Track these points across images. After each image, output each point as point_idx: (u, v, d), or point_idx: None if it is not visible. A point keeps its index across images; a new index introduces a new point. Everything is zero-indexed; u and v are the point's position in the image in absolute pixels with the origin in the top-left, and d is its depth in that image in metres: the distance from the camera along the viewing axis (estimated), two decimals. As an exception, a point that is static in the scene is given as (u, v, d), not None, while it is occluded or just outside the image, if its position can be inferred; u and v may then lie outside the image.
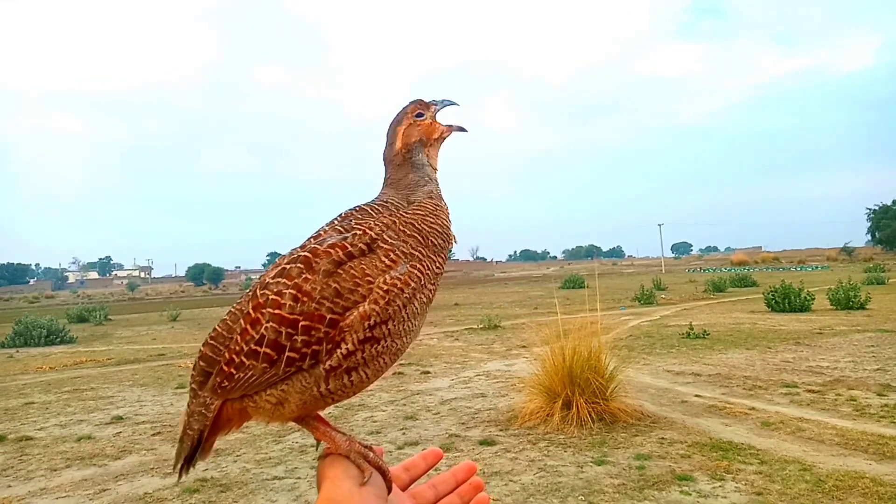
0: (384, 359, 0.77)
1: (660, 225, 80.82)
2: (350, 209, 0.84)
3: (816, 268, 52.47)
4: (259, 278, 0.80)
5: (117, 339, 19.89)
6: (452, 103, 0.95)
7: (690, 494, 4.64)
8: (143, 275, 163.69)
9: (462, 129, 0.95)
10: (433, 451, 0.86)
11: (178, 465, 0.83)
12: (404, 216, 0.82)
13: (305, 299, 0.73)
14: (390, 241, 0.78)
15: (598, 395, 6.56)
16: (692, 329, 12.74)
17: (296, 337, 0.73)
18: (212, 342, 0.80)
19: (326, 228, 0.81)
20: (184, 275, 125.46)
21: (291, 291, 0.74)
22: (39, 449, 6.75)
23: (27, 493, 5.34)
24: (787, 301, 17.03)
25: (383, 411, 7.59)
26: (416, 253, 0.80)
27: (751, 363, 9.64)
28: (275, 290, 0.75)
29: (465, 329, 16.64)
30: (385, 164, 0.91)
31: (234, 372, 0.76)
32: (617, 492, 4.75)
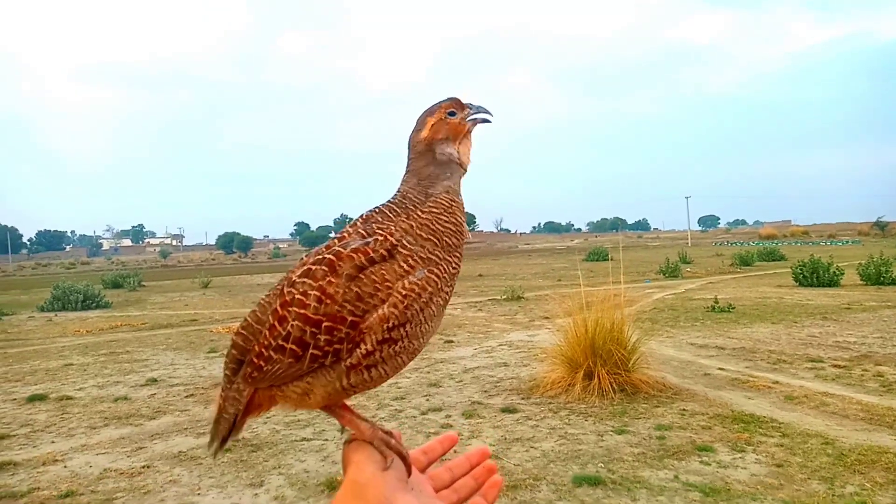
0: (402, 357, 0.82)
1: (687, 197, 79.38)
2: (371, 210, 0.88)
3: (847, 242, 51.25)
4: (286, 275, 0.85)
5: (151, 304, 20.44)
6: (486, 114, 0.97)
7: (710, 465, 4.69)
8: (174, 243, 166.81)
9: (487, 121, 0.97)
10: (449, 435, 0.92)
11: (214, 445, 0.90)
12: (421, 217, 0.85)
13: (329, 301, 0.78)
14: (409, 246, 0.82)
15: (619, 366, 6.61)
16: (717, 302, 12.64)
17: (319, 336, 0.78)
18: (243, 332, 0.86)
19: (350, 231, 0.85)
20: (214, 243, 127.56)
21: (316, 293, 0.78)
22: (79, 408, 7.05)
23: (69, 449, 5.61)
24: (815, 275, 16.75)
25: (408, 378, 7.74)
26: (433, 257, 0.83)
27: (776, 337, 9.58)
28: (301, 289, 0.80)
29: (489, 300, 16.74)
30: (409, 147, 0.94)
31: (263, 364, 0.82)
32: (636, 460, 4.83)
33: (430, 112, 0.94)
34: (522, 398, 6.66)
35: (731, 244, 56.16)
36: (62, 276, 33.51)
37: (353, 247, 0.81)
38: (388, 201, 0.89)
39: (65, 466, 5.19)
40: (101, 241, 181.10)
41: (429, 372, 8.10)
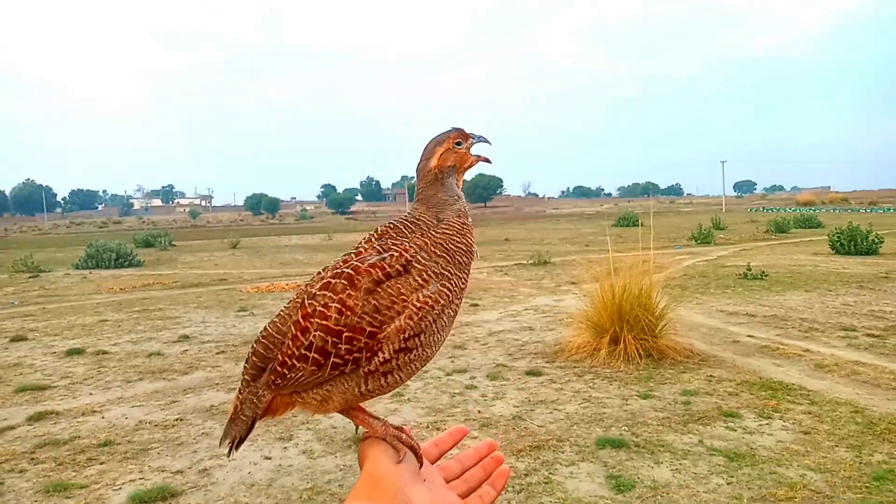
0: (416, 364, 0.87)
1: (722, 162, 77.61)
2: (386, 225, 0.93)
3: (889, 210, 49.71)
4: (305, 287, 0.89)
5: (181, 263, 20.86)
6: (486, 141, 1.03)
7: (735, 430, 4.67)
8: (203, 203, 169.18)
9: (488, 161, 1.04)
10: (459, 428, 0.96)
11: (229, 445, 0.93)
12: (435, 236, 0.91)
13: (349, 313, 0.83)
14: (423, 261, 0.87)
15: (646, 331, 6.56)
16: (750, 270, 12.42)
17: (340, 345, 0.83)
18: (263, 340, 0.91)
19: (366, 246, 0.89)
20: (242, 204, 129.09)
21: (337, 305, 0.83)
22: (115, 362, 7.28)
23: (106, 402, 5.81)
24: (853, 243, 16.31)
25: (433, 340, 7.80)
26: (446, 272, 0.88)
27: (809, 305, 9.40)
28: (321, 302, 0.84)
29: (515, 264, 16.70)
30: (417, 176, 0.98)
31: (287, 372, 0.86)
32: (661, 424, 4.82)
33: (438, 142, 0.99)
34: (547, 362, 6.68)
35: (767, 210, 54.94)
36: (95, 235, 34.31)
37: (371, 262, 0.86)
38: (403, 218, 0.95)
39: (102, 417, 5.38)
40: (132, 200, 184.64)
41: (454, 334, 8.15)
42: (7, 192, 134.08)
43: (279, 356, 0.87)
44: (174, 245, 29.95)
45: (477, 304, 10.36)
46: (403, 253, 0.87)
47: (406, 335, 0.84)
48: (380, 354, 0.84)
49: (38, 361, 7.42)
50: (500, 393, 5.70)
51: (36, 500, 3.90)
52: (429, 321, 0.85)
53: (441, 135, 0.99)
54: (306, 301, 0.87)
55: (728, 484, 3.84)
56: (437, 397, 5.62)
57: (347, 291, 0.84)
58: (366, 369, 0.84)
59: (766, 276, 12.24)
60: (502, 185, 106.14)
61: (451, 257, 0.90)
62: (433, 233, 0.91)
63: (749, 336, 7.56)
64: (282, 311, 0.92)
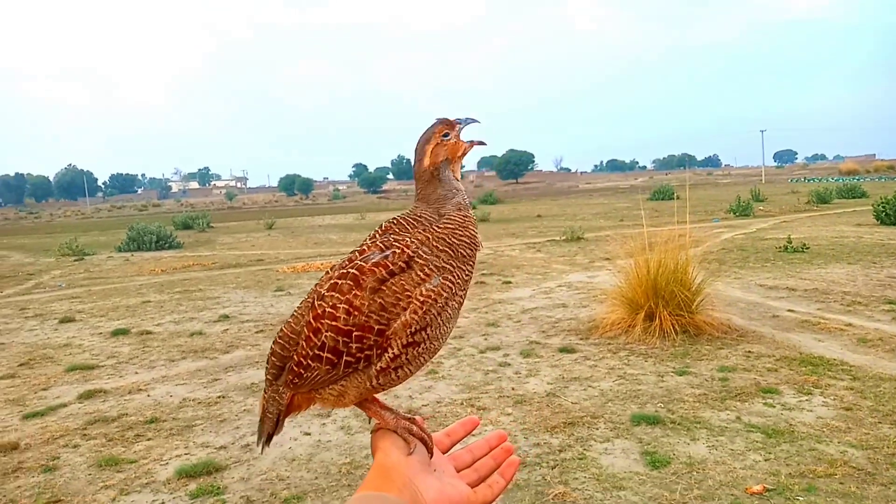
0: (424, 357, 0.90)
1: (762, 131, 75.33)
2: (389, 221, 0.95)
3: (939, 178, 47.69)
4: (314, 287, 0.92)
5: (219, 245, 21.29)
6: (474, 121, 1.02)
7: (774, 406, 4.61)
8: (239, 185, 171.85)
9: (482, 143, 1.03)
10: (470, 419, 0.99)
11: (262, 441, 0.99)
12: (437, 231, 0.92)
13: (356, 313, 0.86)
14: (425, 256, 0.89)
15: (683, 307, 6.48)
16: (790, 242, 12.11)
17: (351, 344, 0.86)
18: (280, 341, 0.94)
19: (369, 244, 0.91)
20: (276, 185, 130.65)
21: (344, 306, 0.86)
22: (158, 342, 7.52)
23: (151, 380, 6.02)
24: (899, 214, 15.72)
25: (466, 318, 7.85)
26: (448, 266, 0.90)
27: (852, 278, 9.14)
28: (330, 303, 0.87)
29: (547, 241, 16.60)
30: (415, 179, 0.99)
31: (303, 372, 0.90)
32: (697, 401, 4.79)
33: (425, 140, 0.99)
34: (581, 339, 6.66)
35: (809, 180, 53.25)
36: (136, 218, 35.21)
37: (374, 261, 0.88)
38: (406, 213, 0.96)
39: (148, 395, 5.59)
40: (169, 183, 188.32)
41: (486, 312, 8.18)
42: (51, 178, 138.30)
43: (295, 356, 0.91)
44: (212, 227, 30.56)
45: (510, 282, 10.35)
46: (405, 249, 0.88)
47: (412, 329, 0.86)
48: (389, 351, 0.86)
49: (85, 342, 7.72)
50: (534, 370, 5.72)
51: (89, 474, 4.09)
52: (433, 314, 0.87)
53: (426, 132, 1.00)
54: (316, 302, 0.89)
55: (766, 460, 3.80)
56: (470, 374, 5.67)
57: (354, 292, 0.86)
58: (378, 366, 0.87)
59: (807, 248, 11.93)
60: (534, 161, 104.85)
61: (454, 251, 0.91)
62: (435, 227, 0.92)
63: (789, 310, 7.40)
64: (295, 310, 0.95)
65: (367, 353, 0.86)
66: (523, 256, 13.73)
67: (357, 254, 0.91)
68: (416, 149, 1.00)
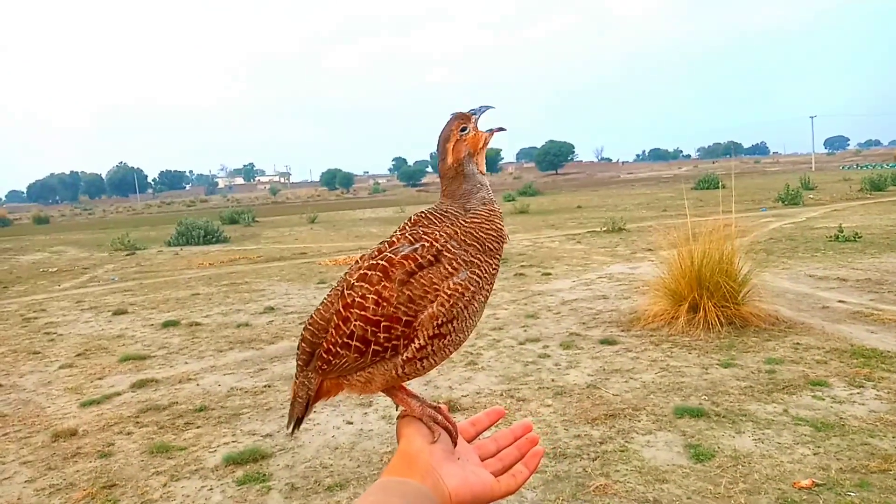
0: (449, 349, 0.91)
1: (812, 117, 72.81)
2: (417, 215, 0.96)
3: None
4: (344, 276, 0.95)
5: (264, 239, 21.74)
6: (488, 108, 1.02)
7: (823, 399, 4.48)
8: (282, 180, 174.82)
9: (501, 129, 1.03)
10: (496, 409, 1.00)
11: (291, 425, 1.04)
12: (464, 225, 0.93)
13: (385, 304, 0.88)
14: (454, 250, 0.90)
15: (728, 298, 6.33)
16: (842, 231, 11.69)
17: (379, 334, 0.88)
18: (310, 327, 0.97)
19: (398, 235, 0.93)
20: (318, 180, 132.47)
21: (374, 297, 0.88)
22: (207, 333, 7.75)
23: (200, 370, 6.22)
24: (962, 201, 14.99)
25: (505, 310, 7.84)
26: (475, 260, 0.91)
27: (909, 269, 8.77)
28: (359, 293, 0.89)
29: (588, 232, 16.41)
30: (440, 177, 1.00)
31: (332, 359, 0.93)
32: (743, 394, 4.69)
33: (445, 139, 1.00)
34: (622, 330, 6.59)
35: (862, 167, 51.19)
36: (184, 214, 36.21)
37: (403, 253, 0.89)
38: (433, 208, 0.97)
39: (197, 384, 5.77)
40: (216, 179, 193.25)
41: (526, 304, 8.15)
42: (103, 176, 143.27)
43: (324, 344, 0.94)
44: (257, 221, 31.21)
45: (549, 273, 10.29)
46: (434, 243, 0.90)
47: (439, 322, 0.87)
48: (416, 341, 0.88)
49: (138, 333, 8.01)
50: (574, 362, 5.69)
51: (142, 461, 4.26)
52: (460, 307, 0.88)
53: (444, 129, 1.00)
54: (346, 291, 0.92)
55: (815, 454, 3.70)
56: (510, 366, 5.67)
57: (383, 283, 0.88)
58: (404, 356, 0.89)
59: (859, 237, 11.49)
60: (573, 152, 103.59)
61: (481, 245, 0.92)
62: (462, 221, 0.93)
63: (840, 301, 7.16)
64: (325, 298, 0.98)
65: (394, 342, 0.88)
66: (563, 248, 13.61)
67: (386, 245, 0.93)
68: (438, 148, 1.00)
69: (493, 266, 0.94)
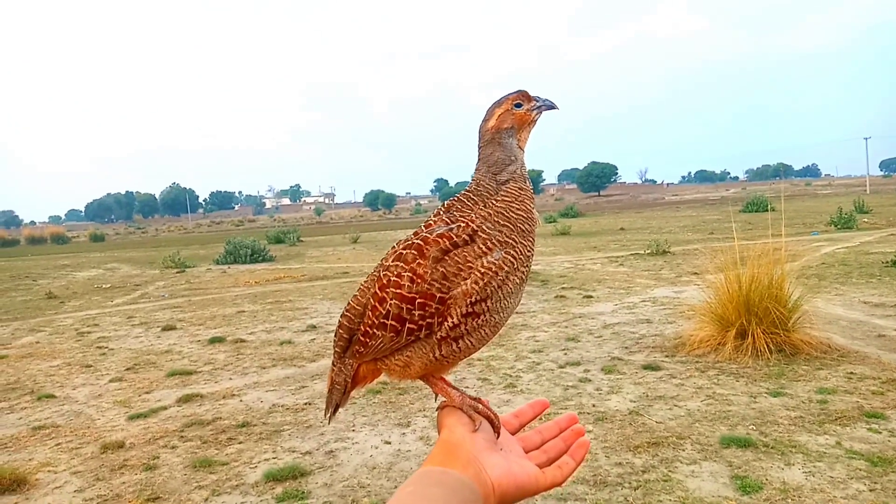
0: (485, 330, 0.91)
1: (866, 139, 69.96)
2: (451, 200, 0.98)
3: None
4: (381, 261, 0.96)
5: (308, 258, 22.10)
6: (553, 107, 1.03)
7: (880, 433, 4.27)
8: (326, 201, 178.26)
9: (552, 107, 1.03)
10: (540, 401, 0.99)
11: (328, 412, 1.05)
12: (496, 206, 0.94)
13: (420, 281, 0.88)
14: (488, 231, 0.91)
15: (778, 325, 6.13)
16: (900, 257, 11.21)
17: (414, 312, 0.89)
18: (348, 314, 0.99)
19: (435, 219, 0.95)
20: (361, 201, 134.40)
21: (409, 274, 0.89)
22: (251, 350, 7.90)
23: (244, 386, 6.34)
24: None
25: (545, 332, 7.77)
26: (510, 241, 0.92)
27: (974, 297, 8.34)
28: (395, 272, 0.91)
29: (631, 254, 16.14)
30: (479, 137, 1.01)
31: (368, 340, 0.94)
32: (793, 424, 4.52)
33: (498, 104, 1.02)
34: (666, 356, 6.44)
35: (921, 191, 49.06)
36: (233, 233, 37.17)
37: (439, 233, 0.91)
38: (466, 190, 0.99)
39: (240, 400, 5.88)
40: (264, 200, 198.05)
41: (567, 326, 8.06)
42: (157, 196, 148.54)
43: (361, 327, 0.95)
44: (302, 241, 31.77)
45: (591, 296, 10.15)
46: (469, 224, 0.91)
47: (472, 299, 0.87)
48: (449, 319, 0.88)
49: (185, 349, 8.22)
50: (616, 387, 5.58)
51: (185, 474, 4.35)
52: (494, 287, 0.88)
53: (502, 97, 1.02)
54: (381, 273, 0.93)
55: (871, 490, 3.53)
56: (550, 389, 5.60)
57: (418, 261, 0.89)
58: (438, 335, 0.89)
59: (920, 263, 10.99)
60: (616, 173, 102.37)
61: (513, 225, 0.93)
62: (493, 202, 0.94)
63: (899, 330, 6.85)
64: (362, 285, 0.99)
65: (428, 320, 0.89)
66: (605, 270, 13.43)
67: (423, 227, 0.94)
68: (488, 109, 1.02)
69: (528, 248, 0.94)
